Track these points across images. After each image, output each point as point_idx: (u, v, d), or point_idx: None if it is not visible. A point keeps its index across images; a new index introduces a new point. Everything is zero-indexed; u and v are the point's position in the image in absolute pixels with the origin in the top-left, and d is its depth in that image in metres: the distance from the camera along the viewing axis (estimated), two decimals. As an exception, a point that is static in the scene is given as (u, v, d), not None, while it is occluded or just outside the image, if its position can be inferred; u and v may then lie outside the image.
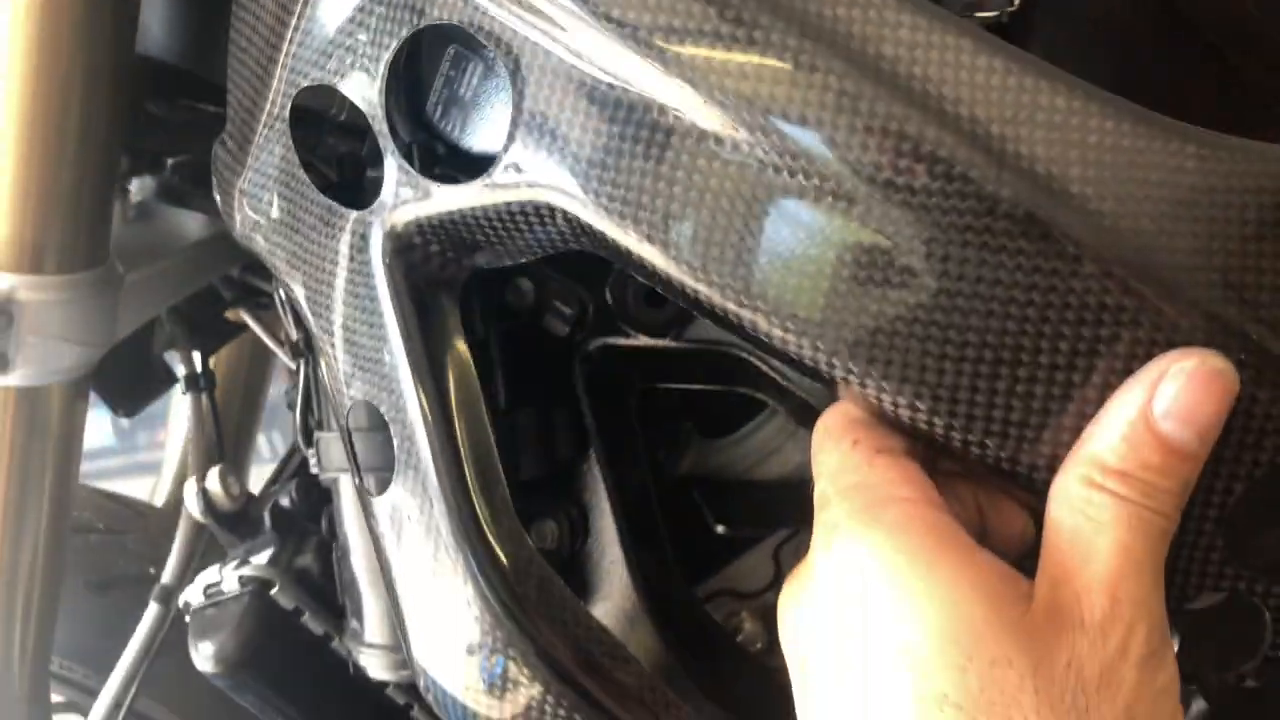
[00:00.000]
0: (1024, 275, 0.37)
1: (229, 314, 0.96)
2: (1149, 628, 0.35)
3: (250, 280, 0.92)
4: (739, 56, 0.39)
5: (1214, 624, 0.41)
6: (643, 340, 0.64)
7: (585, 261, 0.63)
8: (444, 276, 0.50)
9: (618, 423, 0.67)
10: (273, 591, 0.67)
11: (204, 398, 0.86)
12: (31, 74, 0.65)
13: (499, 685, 0.49)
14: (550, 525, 0.66)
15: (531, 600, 0.49)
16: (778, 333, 0.40)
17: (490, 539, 0.49)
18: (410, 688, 0.71)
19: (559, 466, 0.65)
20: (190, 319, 0.90)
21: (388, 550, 0.52)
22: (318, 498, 0.69)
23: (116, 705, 0.86)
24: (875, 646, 0.36)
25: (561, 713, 0.49)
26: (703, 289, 0.42)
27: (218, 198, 0.60)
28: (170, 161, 0.79)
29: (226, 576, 0.67)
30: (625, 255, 0.44)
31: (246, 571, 0.67)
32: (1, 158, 0.66)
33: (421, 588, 0.51)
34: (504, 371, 0.65)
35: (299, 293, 0.54)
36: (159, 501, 1.15)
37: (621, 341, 0.64)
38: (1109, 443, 0.36)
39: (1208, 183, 0.37)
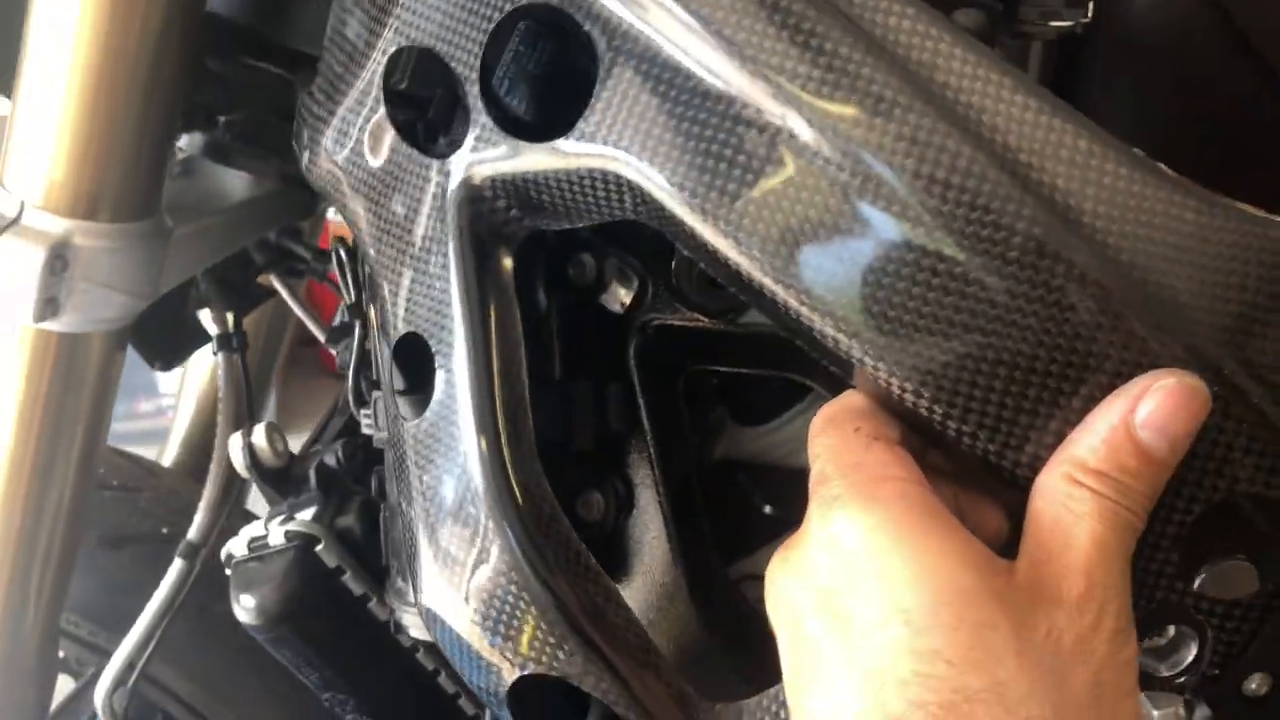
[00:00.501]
0: (1033, 290, 0.42)
1: (260, 279, 0.96)
2: (1118, 609, 0.39)
3: (285, 244, 0.93)
4: (824, 77, 0.44)
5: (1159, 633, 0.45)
6: (698, 321, 0.65)
7: (646, 241, 0.65)
8: (506, 231, 0.53)
9: (666, 402, 0.68)
10: (317, 549, 0.68)
11: (236, 358, 0.86)
12: (104, 22, 0.65)
13: (506, 628, 0.50)
14: (596, 497, 0.67)
15: (548, 548, 0.50)
16: (807, 314, 0.44)
17: (513, 483, 0.50)
18: (440, 651, 0.71)
19: (609, 440, 0.66)
20: (225, 280, 0.90)
21: (411, 478, 0.53)
22: (363, 459, 0.70)
23: (130, 665, 0.86)
24: (871, 606, 0.39)
25: (566, 661, 0.50)
26: (745, 264, 0.45)
27: (297, 142, 0.63)
28: (222, 119, 0.79)
29: (272, 531, 0.68)
30: (680, 229, 0.47)
31: (293, 527, 0.67)
32: (67, 104, 0.66)
33: (440, 520, 0.52)
34: (561, 343, 0.66)
35: (365, 230, 0.56)
36: (167, 462, 1.15)
37: (677, 321, 0.65)
38: (1091, 445, 0.41)
39: (1201, 234, 0.42)
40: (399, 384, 0.55)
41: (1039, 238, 0.41)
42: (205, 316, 0.90)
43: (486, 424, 0.51)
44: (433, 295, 0.53)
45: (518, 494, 0.50)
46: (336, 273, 0.69)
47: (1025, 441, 0.43)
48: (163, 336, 0.88)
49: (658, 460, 0.66)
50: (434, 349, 0.52)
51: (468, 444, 0.51)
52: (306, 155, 0.61)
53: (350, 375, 0.67)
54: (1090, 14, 0.56)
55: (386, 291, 0.56)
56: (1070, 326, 0.42)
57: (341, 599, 0.68)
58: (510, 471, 0.51)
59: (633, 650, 0.51)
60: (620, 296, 0.66)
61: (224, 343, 0.88)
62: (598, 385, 0.65)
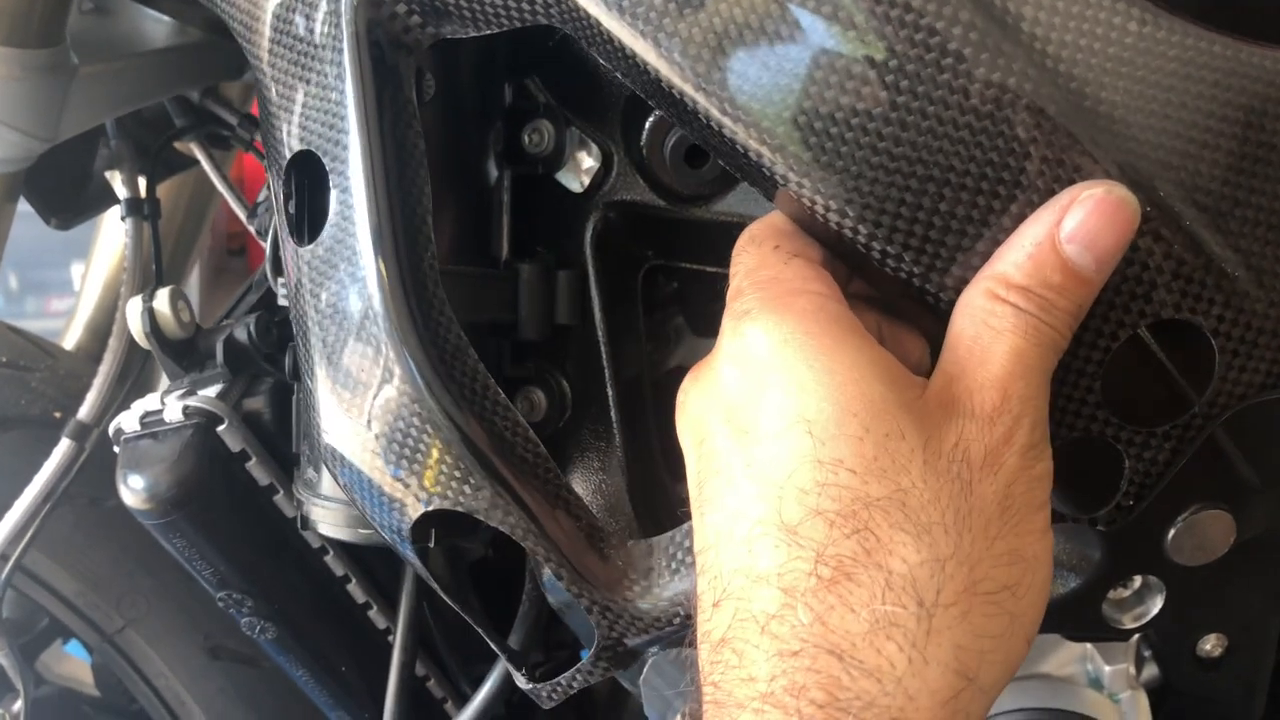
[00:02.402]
0: (966, 100, 0.39)
1: (180, 145, 0.87)
2: (1032, 423, 0.38)
3: (209, 107, 0.84)
4: None
5: (1079, 461, 0.43)
6: (664, 206, 0.59)
7: (614, 109, 0.58)
8: (407, 39, 0.48)
9: (622, 297, 0.62)
10: (219, 429, 0.60)
11: (146, 225, 0.77)
12: None
13: (409, 461, 0.47)
14: (538, 394, 0.61)
15: (453, 378, 0.47)
16: (730, 127, 0.41)
17: (415, 307, 0.46)
18: (353, 555, 0.65)
19: (556, 332, 0.60)
20: (138, 140, 0.81)
21: (307, 307, 0.49)
22: (278, 336, 0.62)
23: (3, 557, 0.78)
24: (776, 417, 0.38)
25: (472, 495, 0.47)
26: (665, 69, 0.42)
27: None
28: (143, -51, 0.70)
29: (169, 406, 0.60)
30: (596, 33, 0.43)
31: (193, 403, 0.60)
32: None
33: (337, 350, 0.48)
34: (511, 220, 0.59)
35: (256, 40, 0.51)
36: (69, 345, 1.06)
37: (641, 201, 0.58)
38: (1016, 261, 0.39)
39: (1144, 47, 0.39)
40: (291, 207, 0.50)
41: (974, 43, 0.39)
42: (115, 179, 0.81)
43: (385, 244, 0.46)
44: (327, 109, 0.48)
45: (419, 319, 0.46)
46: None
47: (951, 263, 0.41)
48: (62, 191, 0.79)
49: (609, 360, 0.60)
50: (328, 166, 0.47)
51: (365, 266, 0.46)
52: None
53: (269, 240, 0.60)
54: None
55: (278, 110, 0.50)
56: (1003, 140, 0.39)
57: (244, 488, 0.61)
58: (411, 295, 0.46)
59: (542, 486, 0.48)
60: (581, 172, 0.59)
61: (133, 208, 0.79)
62: (547, 270, 0.59)
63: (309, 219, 0.50)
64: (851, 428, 0.37)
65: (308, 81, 0.49)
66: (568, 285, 0.59)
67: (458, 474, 0.47)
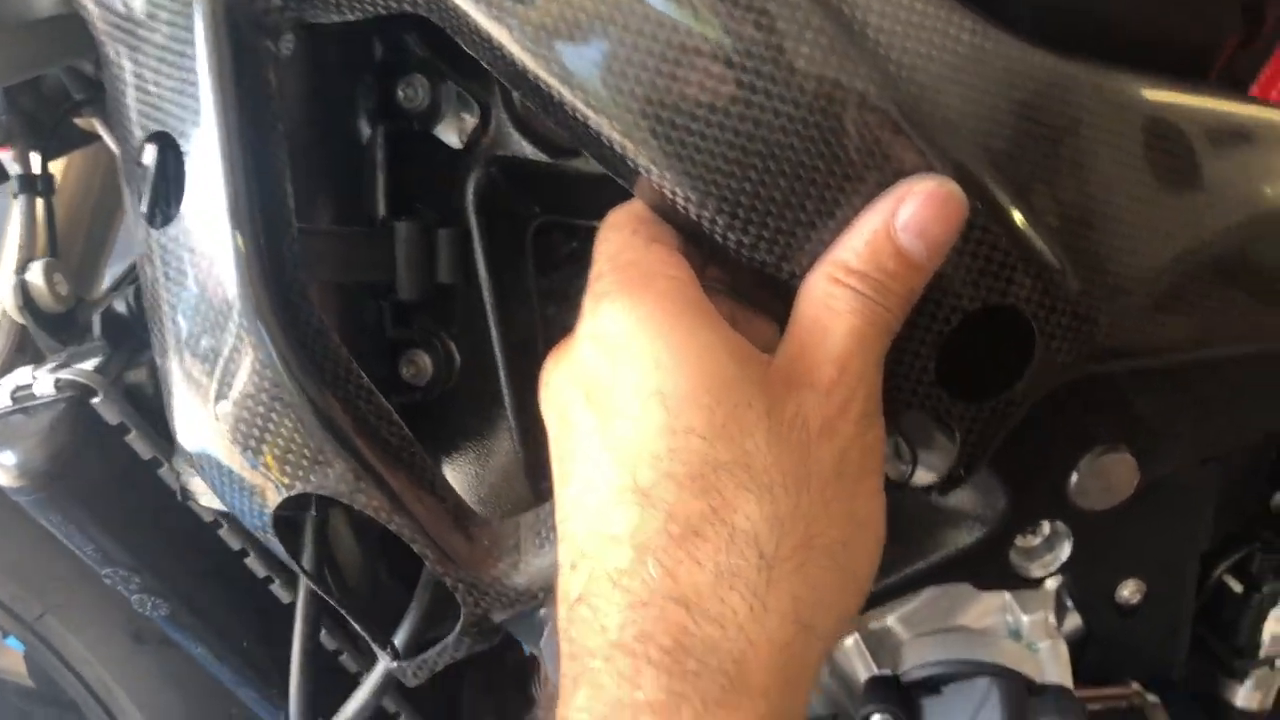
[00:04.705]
0: (815, 99, 0.42)
1: (80, 120, 0.85)
2: (866, 396, 0.42)
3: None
4: None
5: (913, 433, 0.47)
6: (547, 160, 0.57)
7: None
8: (267, 22, 0.48)
9: (510, 255, 0.60)
10: (95, 401, 0.59)
11: (39, 202, 0.75)
12: None
13: (268, 447, 0.47)
14: (422, 357, 0.59)
15: (312, 360, 0.47)
16: (591, 115, 0.42)
17: (274, 288, 0.46)
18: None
19: (438, 292, 0.58)
20: (30, 114, 0.79)
21: (161, 291, 0.48)
22: (159, 307, 0.61)
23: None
24: (632, 392, 0.40)
25: (335, 479, 0.48)
26: (522, 57, 0.43)
27: None
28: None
29: (40, 379, 0.58)
30: (460, 21, 0.44)
31: (65, 375, 0.58)
32: None
33: (192, 334, 0.47)
34: (387, 178, 0.57)
35: (103, 18, 0.50)
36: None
37: (523, 157, 0.57)
38: (854, 248, 0.42)
39: (975, 56, 0.43)
40: (146, 190, 0.49)
41: (822, 46, 0.41)
42: (6, 157, 0.78)
43: (243, 226, 0.45)
44: (183, 90, 0.47)
45: (279, 303, 0.46)
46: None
47: (799, 251, 0.43)
48: (-48, 168, 0.76)
49: (496, 321, 0.59)
50: (183, 148, 0.47)
51: (222, 249, 0.45)
52: None
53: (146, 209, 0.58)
54: None
55: (129, 90, 0.48)
56: (848, 137, 0.42)
57: (124, 461, 0.60)
58: (271, 278, 0.46)
59: (407, 467, 0.49)
60: (458, 127, 0.57)
61: (25, 185, 0.76)
62: (427, 228, 0.57)
63: (163, 201, 0.49)
64: (702, 399, 0.39)
65: (163, 61, 0.48)
66: (449, 243, 0.58)
67: (320, 458, 0.47)
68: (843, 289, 0.41)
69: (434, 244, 0.57)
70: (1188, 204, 0.47)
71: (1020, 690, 0.68)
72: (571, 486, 0.41)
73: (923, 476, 0.48)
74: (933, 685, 0.70)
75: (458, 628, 0.51)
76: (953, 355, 0.46)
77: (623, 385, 0.40)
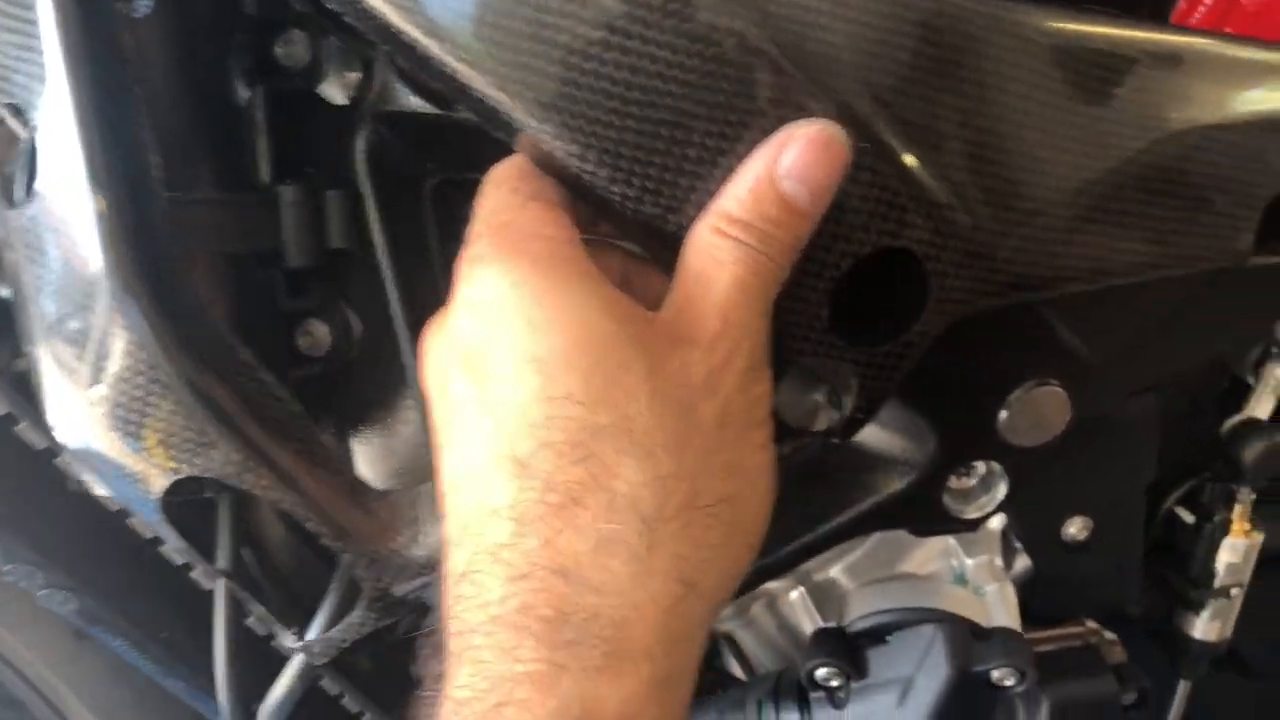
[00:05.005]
0: (691, 44, 0.40)
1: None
2: (751, 347, 0.41)
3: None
4: None
5: (810, 381, 0.46)
6: (438, 113, 0.55)
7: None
8: None
9: (408, 214, 0.58)
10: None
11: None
12: None
13: (149, 430, 0.45)
14: (318, 326, 0.57)
15: (189, 337, 0.45)
16: (464, 73, 0.41)
17: (144, 265, 0.44)
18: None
19: (334, 257, 0.56)
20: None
21: (26, 275, 0.46)
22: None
23: None
24: (508, 359, 0.38)
25: (222, 461, 0.47)
26: (394, 17, 0.41)
27: None
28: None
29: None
30: None
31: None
32: None
33: (59, 316, 0.45)
34: (270, 140, 0.55)
35: None
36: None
37: (413, 111, 0.54)
38: (738, 197, 0.41)
39: None
40: None
41: None
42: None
43: (101, 185, 0.43)
44: (30, 59, 0.44)
45: (150, 280, 0.44)
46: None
47: (685, 203, 0.42)
48: None
49: (395, 285, 0.56)
50: (33, 119, 0.44)
51: (83, 215, 0.43)
52: None
53: None
54: None
55: None
56: (728, 82, 0.40)
57: (15, 452, 0.57)
58: (141, 255, 0.44)
59: (296, 443, 0.48)
60: (342, 84, 0.55)
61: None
62: (314, 191, 0.55)
63: (18, 179, 0.47)
64: (580, 362, 0.38)
65: (3, 27, 0.45)
66: (339, 206, 0.55)
67: (204, 439, 0.45)
68: (726, 239, 0.40)
69: (323, 208, 0.55)
70: (1087, 132, 0.46)
71: (965, 635, 0.67)
72: (451, 460, 0.40)
73: (822, 421, 0.46)
74: (878, 635, 0.69)
75: (361, 603, 0.49)
76: (851, 297, 0.45)
77: (498, 353, 0.39)
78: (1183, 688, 0.85)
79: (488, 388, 0.39)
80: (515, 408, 0.38)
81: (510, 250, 0.40)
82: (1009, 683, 0.68)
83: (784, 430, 0.45)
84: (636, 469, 0.38)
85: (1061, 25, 0.46)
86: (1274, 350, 0.77)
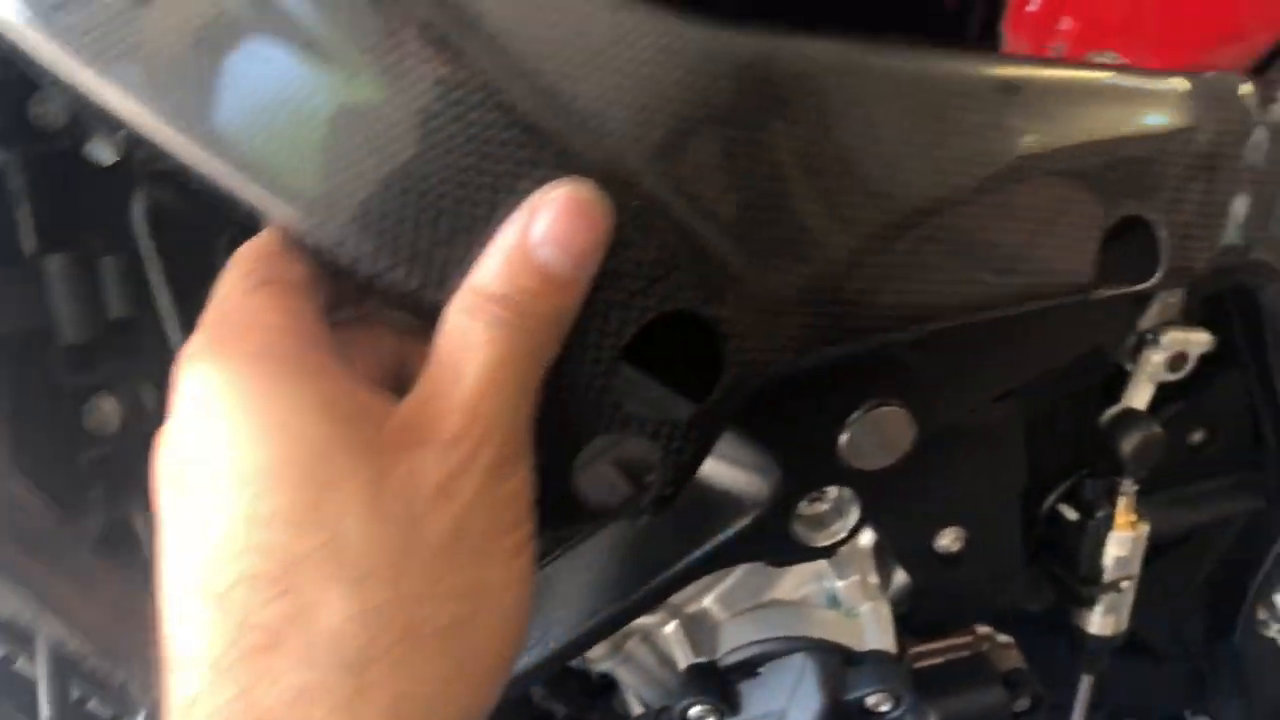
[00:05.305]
0: (432, 103, 0.37)
1: None
2: (501, 442, 0.36)
3: None
4: None
5: (609, 457, 0.42)
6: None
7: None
8: None
9: (200, 273, 0.54)
10: None
11: None
12: None
13: None
14: (110, 401, 0.53)
15: None
16: (182, 143, 0.37)
17: None
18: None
19: (118, 327, 0.52)
20: None
21: None
22: None
23: None
24: (214, 472, 0.34)
25: None
26: (84, 80, 0.37)
27: None
28: None
29: None
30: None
31: None
32: None
33: None
34: (32, 207, 0.51)
35: None
36: None
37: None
38: (492, 269, 0.37)
39: (618, 37, 0.38)
40: None
41: (433, 40, 0.36)
42: None
43: None
44: None
45: None
46: None
47: (445, 277, 0.37)
48: None
49: (192, 348, 0.53)
50: None
51: None
52: None
53: None
54: None
55: None
56: (475, 143, 0.37)
57: None
58: None
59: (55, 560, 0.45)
60: (110, 142, 0.51)
61: None
62: (86, 259, 0.51)
63: None
64: (290, 476, 0.34)
65: None
66: (116, 273, 0.52)
67: None
68: (479, 318, 0.37)
69: (99, 276, 0.51)
70: (886, 179, 0.43)
71: (835, 663, 0.65)
72: (165, 584, 0.36)
73: (626, 499, 0.42)
74: (750, 668, 0.67)
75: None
76: (655, 360, 0.41)
77: (206, 466, 0.34)
78: (1086, 682, 0.83)
79: (195, 507, 0.35)
80: (219, 533, 0.34)
81: (225, 346, 0.36)
82: (885, 708, 0.66)
83: (582, 514, 0.41)
84: (344, 600, 0.33)
85: (863, 59, 0.43)
86: (1149, 337, 0.75)
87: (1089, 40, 0.65)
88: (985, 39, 0.68)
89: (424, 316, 0.38)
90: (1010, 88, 0.46)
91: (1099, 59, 0.63)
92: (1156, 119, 0.50)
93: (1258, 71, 0.72)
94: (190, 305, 0.53)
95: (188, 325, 0.53)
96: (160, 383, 0.55)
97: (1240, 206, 0.53)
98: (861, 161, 0.42)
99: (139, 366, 0.54)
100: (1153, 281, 0.52)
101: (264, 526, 0.33)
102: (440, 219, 0.37)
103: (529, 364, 0.37)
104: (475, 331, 0.36)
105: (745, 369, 0.42)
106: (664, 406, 0.41)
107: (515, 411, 0.37)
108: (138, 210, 0.52)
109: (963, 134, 0.45)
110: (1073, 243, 0.48)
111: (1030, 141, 0.46)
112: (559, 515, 0.41)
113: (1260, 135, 0.53)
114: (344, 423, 0.35)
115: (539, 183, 0.37)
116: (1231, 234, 0.53)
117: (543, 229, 0.37)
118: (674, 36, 0.38)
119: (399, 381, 0.40)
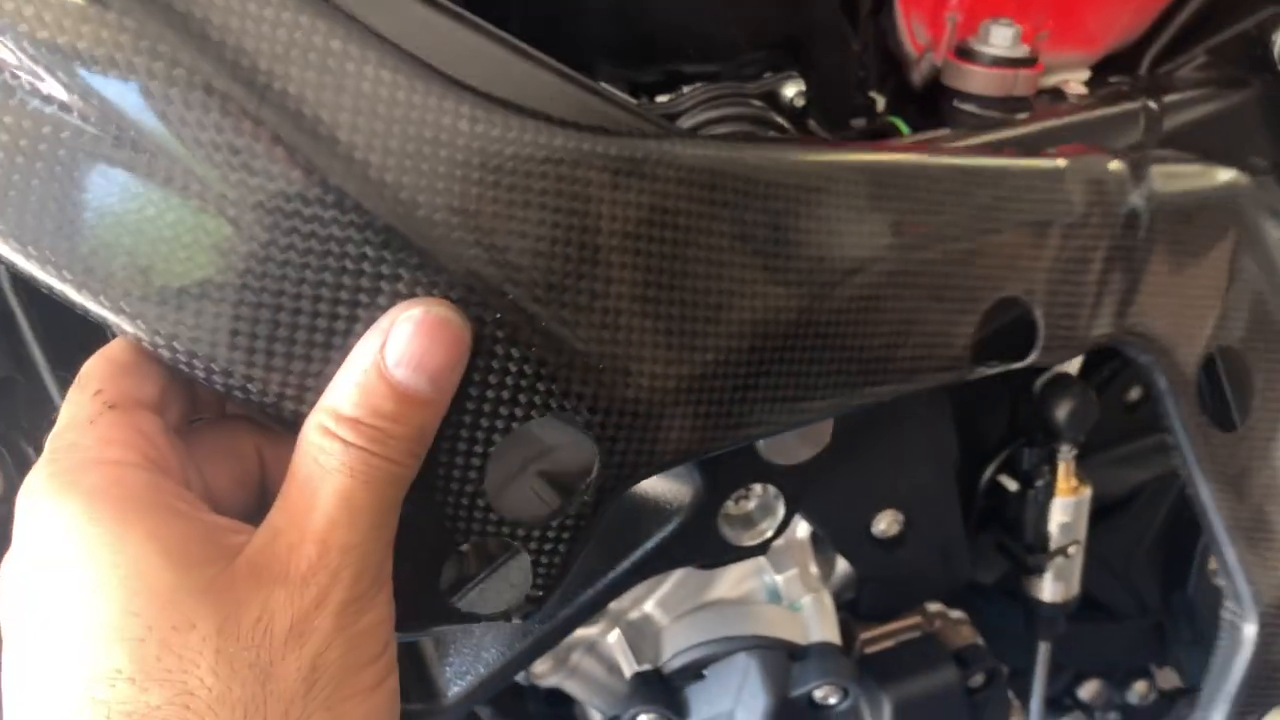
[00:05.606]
0: (283, 220, 0.35)
1: None
2: (356, 573, 0.35)
3: None
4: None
5: (476, 566, 0.41)
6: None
7: None
8: None
9: (80, 326, 0.52)
10: None
11: None
12: None
13: None
14: (-10, 469, 0.51)
15: None
16: (26, 265, 0.35)
17: None
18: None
19: (-6, 390, 0.50)
20: None
21: None
22: None
23: None
24: (52, 624, 0.32)
25: None
26: None
27: None
28: None
29: None
30: None
31: None
32: None
33: None
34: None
35: None
36: None
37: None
38: (345, 391, 0.36)
39: (480, 147, 0.37)
40: None
41: (282, 158, 0.35)
42: None
43: None
44: None
45: None
46: None
47: (304, 390, 0.36)
48: None
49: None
50: None
51: None
52: None
53: None
54: None
55: None
56: (331, 259, 0.36)
57: None
58: None
59: None
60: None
61: None
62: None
63: None
64: (132, 629, 0.32)
65: None
66: (-17, 335, 0.49)
67: None
68: (334, 441, 0.35)
69: (-34, 339, 0.49)
70: (769, 272, 0.42)
71: (780, 660, 0.64)
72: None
73: (497, 604, 0.41)
74: (695, 671, 0.65)
75: None
76: None
77: (44, 617, 0.32)
78: (1044, 648, 0.83)
79: (33, 661, 0.32)
80: (64, 691, 0.32)
81: (63, 483, 0.33)
82: (833, 700, 0.65)
83: (452, 617, 0.40)
84: None
85: (729, 156, 0.42)
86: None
87: (983, 8, 0.64)
88: (878, 11, 0.66)
89: (286, 427, 0.36)
90: (875, 178, 0.45)
91: (996, 27, 0.62)
92: (1031, 201, 0.50)
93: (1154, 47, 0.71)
94: (72, 358, 0.51)
95: (66, 381, 0.51)
96: (40, 445, 0.53)
97: (1116, 281, 0.53)
98: (728, 265, 0.41)
99: (21, 426, 0.52)
100: (1029, 359, 0.51)
101: (106, 683, 0.31)
102: (297, 331, 0.36)
103: (386, 488, 0.36)
104: (329, 454, 0.35)
105: (618, 471, 0.41)
106: (534, 511, 0.40)
107: (373, 539, 0.35)
108: (3, 270, 0.50)
109: (828, 232, 0.44)
110: (948, 328, 0.48)
111: (897, 234, 0.46)
112: (426, 618, 0.40)
113: (1130, 209, 0.53)
114: (190, 567, 0.33)
115: (398, 297, 0.36)
116: (1108, 307, 0.53)
117: (398, 350, 0.36)
118: (538, 145, 0.38)
119: (262, 483, 0.39)
